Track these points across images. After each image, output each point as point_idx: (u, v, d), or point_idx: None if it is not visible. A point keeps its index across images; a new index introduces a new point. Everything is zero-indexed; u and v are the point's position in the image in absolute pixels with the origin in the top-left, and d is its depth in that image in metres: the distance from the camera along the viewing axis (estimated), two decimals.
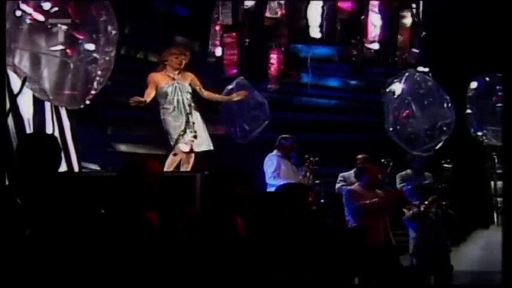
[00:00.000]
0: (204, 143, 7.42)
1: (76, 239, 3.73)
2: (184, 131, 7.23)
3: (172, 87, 7.45)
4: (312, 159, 8.79)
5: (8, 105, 6.34)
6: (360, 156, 8.98)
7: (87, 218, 3.82)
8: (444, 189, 8.79)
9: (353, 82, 11.76)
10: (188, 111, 7.35)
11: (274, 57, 9.75)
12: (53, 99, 7.25)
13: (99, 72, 7.14)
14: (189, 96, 7.49)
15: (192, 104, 7.47)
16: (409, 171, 9.15)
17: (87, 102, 7.24)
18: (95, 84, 7.16)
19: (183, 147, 7.23)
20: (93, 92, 7.17)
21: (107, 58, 7.14)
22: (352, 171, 8.93)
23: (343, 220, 7.62)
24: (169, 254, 3.99)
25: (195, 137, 7.24)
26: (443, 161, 9.03)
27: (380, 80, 10.01)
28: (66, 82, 7.06)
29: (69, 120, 7.89)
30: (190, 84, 7.55)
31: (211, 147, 7.50)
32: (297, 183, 7.43)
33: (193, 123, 7.26)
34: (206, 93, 7.69)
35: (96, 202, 3.98)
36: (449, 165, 8.96)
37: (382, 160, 8.62)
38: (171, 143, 7.33)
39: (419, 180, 8.98)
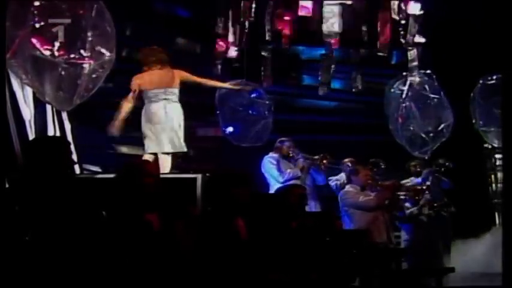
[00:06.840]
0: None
1: (77, 240, 3.73)
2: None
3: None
4: (325, 160, 8.71)
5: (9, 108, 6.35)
6: (346, 159, 8.94)
7: (88, 219, 3.83)
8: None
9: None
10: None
11: None
12: (46, 99, 7.26)
13: (86, 77, 7.14)
14: None
15: None
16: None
17: (78, 102, 7.25)
18: (84, 86, 7.16)
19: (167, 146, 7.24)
20: (85, 94, 7.18)
21: (100, 61, 7.12)
22: (341, 175, 8.91)
23: (338, 223, 7.50)
24: (170, 256, 3.99)
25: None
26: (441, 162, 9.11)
27: (380, 81, 10.02)
28: (57, 83, 7.07)
29: (70, 121, 7.89)
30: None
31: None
32: (295, 184, 7.40)
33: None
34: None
35: (97, 204, 3.98)
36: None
37: (371, 160, 8.63)
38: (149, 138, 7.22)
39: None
